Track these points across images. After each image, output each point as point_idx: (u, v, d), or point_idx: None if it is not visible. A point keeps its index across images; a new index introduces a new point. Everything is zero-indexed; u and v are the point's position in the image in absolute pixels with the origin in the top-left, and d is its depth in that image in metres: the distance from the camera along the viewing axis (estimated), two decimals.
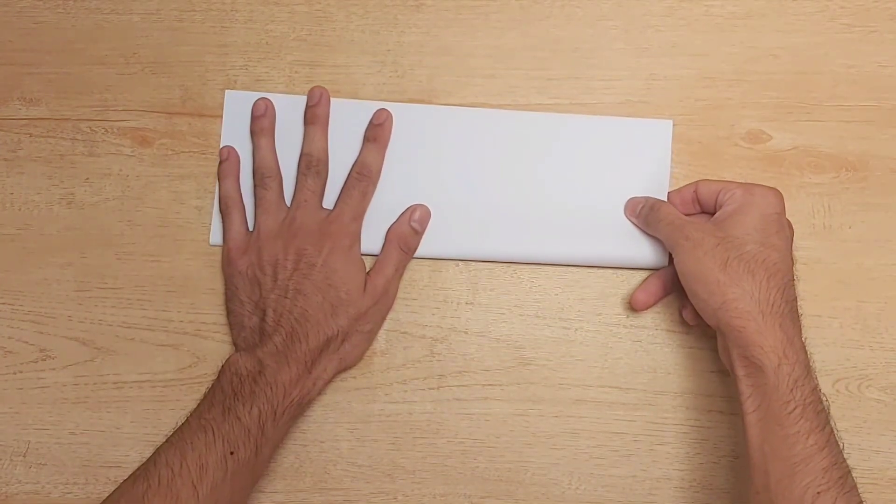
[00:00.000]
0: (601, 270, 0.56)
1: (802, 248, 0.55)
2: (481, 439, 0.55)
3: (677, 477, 0.54)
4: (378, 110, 0.57)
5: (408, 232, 0.55)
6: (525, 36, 0.58)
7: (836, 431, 0.46)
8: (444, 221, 0.56)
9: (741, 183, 0.52)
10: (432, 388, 0.55)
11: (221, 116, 0.58)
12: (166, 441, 0.48)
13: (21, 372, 0.56)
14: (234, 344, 0.55)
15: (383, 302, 0.55)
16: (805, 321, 0.54)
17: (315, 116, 0.57)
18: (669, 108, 0.57)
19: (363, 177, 0.56)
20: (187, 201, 0.57)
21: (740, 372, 0.47)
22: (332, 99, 0.57)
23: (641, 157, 0.56)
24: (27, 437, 0.56)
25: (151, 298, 0.57)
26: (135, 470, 0.47)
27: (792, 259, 0.50)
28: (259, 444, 0.48)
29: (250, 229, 0.56)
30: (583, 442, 0.55)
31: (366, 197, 0.56)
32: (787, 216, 0.51)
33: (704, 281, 0.48)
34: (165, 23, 0.59)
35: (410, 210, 0.56)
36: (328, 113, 0.57)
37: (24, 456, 0.56)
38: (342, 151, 0.57)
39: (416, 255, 0.56)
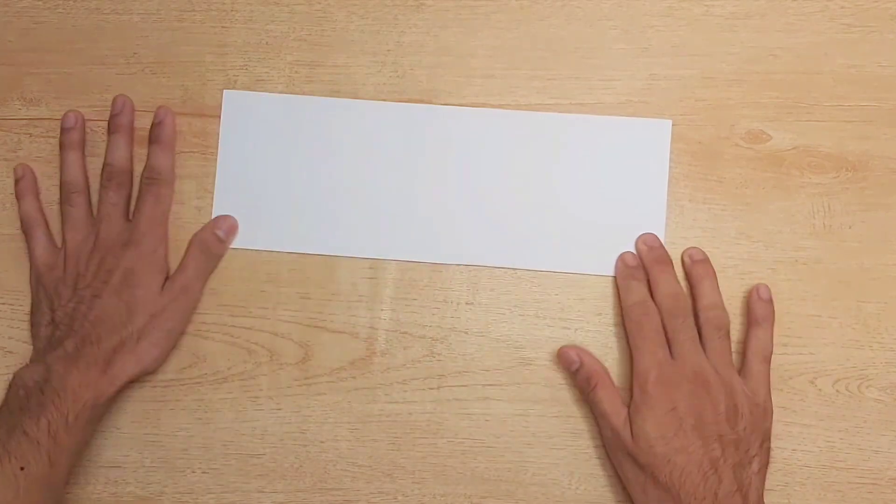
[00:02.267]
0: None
1: (802, 248, 0.55)
2: (481, 439, 0.55)
3: None
4: (157, 108, 0.57)
5: (210, 239, 0.55)
6: (525, 36, 0.58)
7: None
8: (441, 222, 0.56)
9: (642, 377, 0.51)
10: (432, 388, 0.55)
11: (221, 117, 0.58)
12: None
13: None
14: (31, 356, 0.54)
15: (183, 300, 0.54)
16: (805, 321, 0.55)
17: (118, 126, 0.56)
18: (669, 108, 0.57)
19: (152, 181, 0.55)
20: (187, 201, 0.57)
21: None
22: (332, 99, 0.57)
23: (640, 157, 0.56)
24: None
25: None
26: None
27: (726, 444, 0.49)
28: (52, 455, 0.47)
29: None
30: (583, 442, 0.55)
31: (160, 200, 0.55)
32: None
33: (624, 480, 0.52)
34: (165, 23, 0.59)
35: (219, 219, 0.56)
36: (132, 122, 0.57)
37: None
38: (341, 153, 0.57)
39: (416, 259, 0.56)
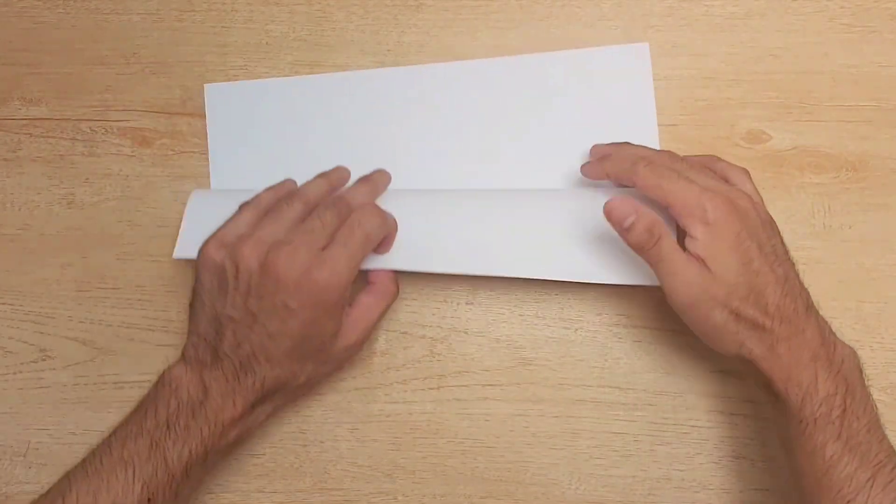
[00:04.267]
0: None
1: (802, 248, 0.55)
2: (481, 439, 0.55)
3: (677, 477, 0.54)
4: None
5: (392, 287, 0.52)
6: (525, 36, 0.58)
7: (863, 432, 0.45)
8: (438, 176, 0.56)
9: (699, 211, 0.46)
10: (432, 388, 0.55)
11: (206, 111, 0.58)
12: (81, 466, 0.45)
13: (21, 372, 0.56)
14: (187, 340, 0.49)
15: (354, 350, 0.51)
16: None
17: (370, 179, 0.53)
18: (669, 108, 0.57)
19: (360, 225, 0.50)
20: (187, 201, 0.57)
21: (764, 398, 0.48)
22: (313, 76, 0.57)
23: (622, 86, 0.56)
24: (27, 437, 0.56)
25: (151, 298, 0.57)
26: (39, 498, 0.44)
27: (777, 257, 0.47)
28: (180, 488, 0.45)
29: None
30: (583, 442, 0.55)
31: (368, 243, 0.49)
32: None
33: (713, 334, 0.48)
34: (165, 23, 0.59)
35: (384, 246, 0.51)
36: (386, 185, 0.54)
37: (25, 456, 0.56)
38: (330, 128, 0.56)
39: (417, 269, 0.53)
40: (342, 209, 0.50)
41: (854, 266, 0.55)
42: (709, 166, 0.51)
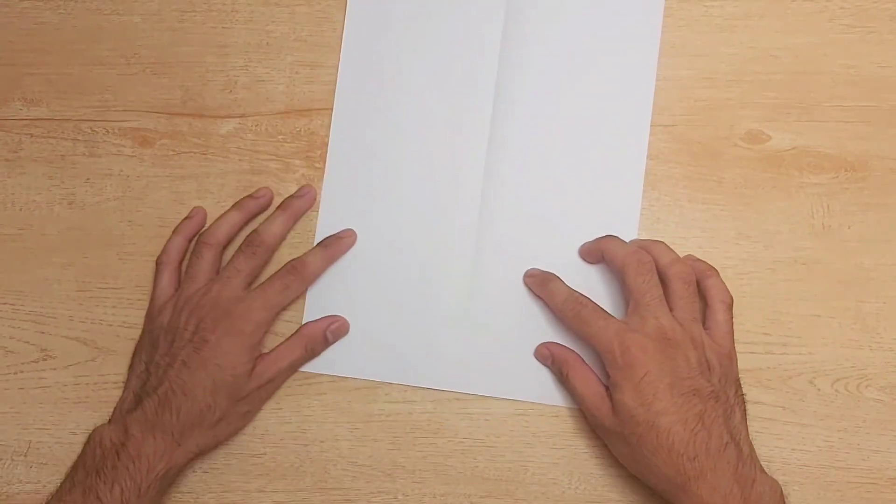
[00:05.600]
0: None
1: (802, 248, 0.55)
2: (481, 439, 0.55)
3: None
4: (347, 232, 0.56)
5: (319, 338, 0.55)
6: None
7: None
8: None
9: (610, 355, 0.50)
10: (432, 388, 0.55)
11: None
12: None
13: (22, 372, 0.56)
14: (118, 403, 0.53)
15: (268, 389, 0.54)
16: (805, 321, 0.55)
17: (289, 205, 0.55)
18: (669, 108, 0.57)
19: (295, 271, 0.54)
20: (187, 201, 0.57)
21: None
22: None
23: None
24: (28, 437, 0.56)
25: None
26: None
27: (698, 395, 0.48)
28: None
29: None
30: (583, 442, 0.55)
31: (287, 291, 0.53)
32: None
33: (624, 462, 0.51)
34: (166, 23, 0.59)
35: (333, 319, 0.55)
36: (305, 210, 0.56)
37: (25, 455, 0.56)
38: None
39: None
40: (256, 250, 0.54)
41: (854, 266, 0.55)
42: (700, 279, 0.53)
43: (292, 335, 0.55)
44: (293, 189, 0.57)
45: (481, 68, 0.57)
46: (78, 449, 0.50)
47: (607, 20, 0.57)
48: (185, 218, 0.56)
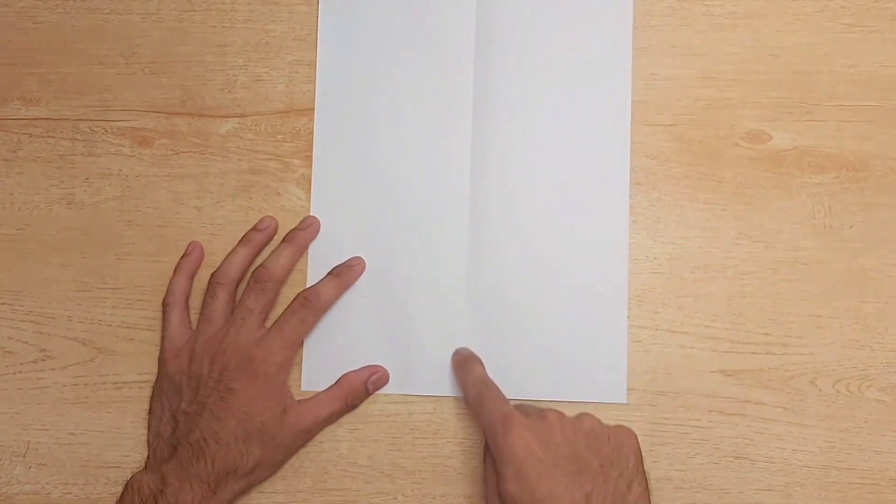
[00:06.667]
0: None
1: (803, 248, 0.55)
2: (481, 439, 0.55)
3: (677, 477, 0.54)
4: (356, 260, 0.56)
5: (360, 389, 0.54)
6: None
7: None
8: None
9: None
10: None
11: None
12: None
13: (21, 372, 0.56)
14: (148, 450, 0.53)
15: (302, 438, 0.54)
16: (805, 321, 0.55)
17: (294, 237, 0.55)
18: (669, 108, 0.57)
19: (309, 304, 0.53)
20: (187, 201, 0.57)
21: None
22: None
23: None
24: (27, 438, 0.56)
25: (151, 298, 0.57)
26: None
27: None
28: None
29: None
30: None
31: (303, 325, 0.53)
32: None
33: None
34: (165, 23, 0.59)
35: (372, 370, 0.54)
36: (310, 241, 0.56)
37: (24, 456, 0.56)
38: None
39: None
40: (265, 285, 0.53)
41: (854, 266, 0.55)
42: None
43: (332, 386, 0.54)
44: (293, 189, 0.57)
45: (458, 67, 0.56)
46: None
47: (578, 13, 0.57)
48: (184, 255, 0.56)
